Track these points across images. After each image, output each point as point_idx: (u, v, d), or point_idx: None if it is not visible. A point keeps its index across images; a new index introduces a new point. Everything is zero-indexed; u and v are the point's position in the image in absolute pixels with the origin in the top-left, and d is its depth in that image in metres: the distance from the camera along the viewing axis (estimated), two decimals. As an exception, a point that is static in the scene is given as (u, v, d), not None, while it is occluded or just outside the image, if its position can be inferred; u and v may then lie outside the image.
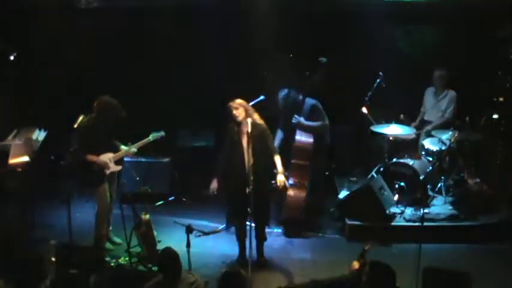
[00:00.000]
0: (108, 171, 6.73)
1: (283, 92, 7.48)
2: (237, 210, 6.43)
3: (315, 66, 7.39)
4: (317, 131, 7.43)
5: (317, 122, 7.44)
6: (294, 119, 7.34)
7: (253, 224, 6.18)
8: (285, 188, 6.74)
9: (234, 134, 6.41)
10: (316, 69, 7.36)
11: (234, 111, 6.30)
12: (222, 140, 6.62)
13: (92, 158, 6.63)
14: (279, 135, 7.56)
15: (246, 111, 6.35)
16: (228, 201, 6.61)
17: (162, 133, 7.08)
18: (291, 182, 7.24)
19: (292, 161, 7.29)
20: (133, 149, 6.93)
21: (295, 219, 7.36)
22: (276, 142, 7.32)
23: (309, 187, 7.35)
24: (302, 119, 7.36)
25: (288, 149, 7.42)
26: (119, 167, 6.92)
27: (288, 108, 7.44)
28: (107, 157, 6.73)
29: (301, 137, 7.32)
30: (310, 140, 7.32)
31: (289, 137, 7.47)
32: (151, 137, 7.01)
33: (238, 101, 6.35)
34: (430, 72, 8.25)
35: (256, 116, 6.39)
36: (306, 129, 7.35)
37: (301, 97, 7.41)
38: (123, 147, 6.91)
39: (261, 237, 6.54)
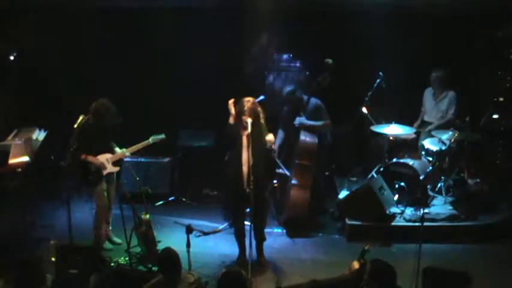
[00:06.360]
0: (105, 172, 6.73)
1: (289, 87, 7.50)
2: (237, 210, 6.43)
3: (321, 67, 7.40)
4: (320, 130, 7.43)
5: (320, 121, 7.44)
6: (296, 120, 7.33)
7: (253, 224, 6.18)
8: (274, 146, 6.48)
9: (235, 133, 6.32)
10: (322, 70, 7.36)
11: (244, 117, 6.12)
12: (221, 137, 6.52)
13: (89, 157, 6.63)
14: (280, 134, 7.56)
15: (256, 116, 6.20)
16: (228, 201, 6.61)
17: (163, 136, 7.07)
18: (294, 182, 7.23)
19: (296, 161, 7.27)
20: (128, 152, 6.93)
21: (298, 219, 7.35)
22: (277, 142, 7.32)
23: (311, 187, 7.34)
24: (304, 119, 7.35)
25: (289, 149, 7.42)
26: (117, 168, 6.91)
27: (290, 103, 7.44)
28: (105, 157, 6.73)
29: (306, 138, 7.29)
30: (315, 140, 7.30)
31: (290, 137, 7.47)
32: (151, 140, 7.01)
33: (251, 104, 6.17)
34: (429, 72, 8.23)
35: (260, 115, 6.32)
36: (309, 129, 7.34)
37: (306, 97, 7.41)
38: (117, 149, 6.90)
39: (260, 237, 6.53)
